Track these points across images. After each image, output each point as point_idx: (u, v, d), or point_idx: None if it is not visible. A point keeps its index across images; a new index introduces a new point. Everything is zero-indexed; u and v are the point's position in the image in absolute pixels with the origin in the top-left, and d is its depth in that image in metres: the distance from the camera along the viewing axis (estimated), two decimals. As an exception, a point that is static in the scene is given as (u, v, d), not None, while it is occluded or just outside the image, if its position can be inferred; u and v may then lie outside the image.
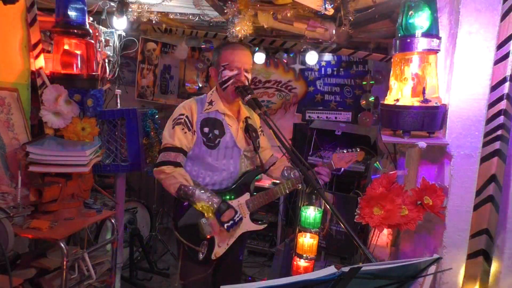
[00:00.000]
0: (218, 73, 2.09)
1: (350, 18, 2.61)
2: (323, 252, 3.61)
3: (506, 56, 1.59)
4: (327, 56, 4.57)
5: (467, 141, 1.74)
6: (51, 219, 2.18)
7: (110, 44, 3.03)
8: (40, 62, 2.46)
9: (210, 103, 2.11)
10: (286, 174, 2.28)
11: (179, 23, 3.97)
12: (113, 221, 2.51)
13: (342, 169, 2.26)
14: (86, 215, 2.35)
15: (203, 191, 1.97)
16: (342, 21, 2.73)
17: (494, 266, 1.68)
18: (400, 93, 1.86)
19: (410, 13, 1.80)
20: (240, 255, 2.35)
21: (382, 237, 2.51)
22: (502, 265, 1.70)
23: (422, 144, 1.78)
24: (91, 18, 2.84)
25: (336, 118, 4.19)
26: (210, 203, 1.96)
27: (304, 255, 3.04)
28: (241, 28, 2.81)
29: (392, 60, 1.94)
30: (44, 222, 2.09)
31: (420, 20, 1.78)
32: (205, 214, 2.00)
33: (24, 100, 2.41)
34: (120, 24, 3.00)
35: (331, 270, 0.90)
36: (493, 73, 1.64)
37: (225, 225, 1.97)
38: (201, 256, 2.01)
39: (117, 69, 3.14)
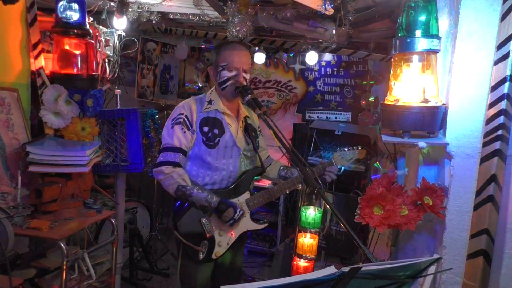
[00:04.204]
0: (216, 73, 2.09)
1: (350, 18, 2.61)
2: (323, 252, 3.61)
3: (506, 56, 1.59)
4: (327, 56, 4.57)
5: (467, 141, 1.74)
6: (51, 219, 2.18)
7: (110, 44, 3.03)
8: (40, 62, 2.46)
9: (210, 102, 2.11)
10: (282, 173, 2.28)
11: (179, 23, 3.97)
12: (113, 221, 2.51)
13: (343, 168, 2.26)
14: (86, 215, 2.35)
15: (200, 191, 1.98)
16: (342, 21, 2.73)
17: (494, 266, 1.68)
18: (400, 93, 1.86)
19: (410, 13, 1.80)
20: (240, 254, 2.35)
21: (382, 237, 2.52)
22: (502, 265, 1.70)
23: (422, 144, 1.78)
24: (91, 18, 2.84)
25: (336, 118, 4.18)
26: (208, 202, 1.96)
27: (304, 255, 3.05)
28: (241, 28, 2.81)
29: (392, 60, 1.94)
30: (44, 222, 2.09)
31: (420, 20, 1.78)
32: (205, 213, 2.01)
33: (24, 100, 2.41)
34: (120, 24, 3.00)
35: (331, 270, 0.90)
36: (493, 73, 1.64)
37: (227, 224, 2.01)
38: (201, 255, 2.01)
39: (117, 69, 3.14)
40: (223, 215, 1.98)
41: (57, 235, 2.04)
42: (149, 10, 3.12)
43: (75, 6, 2.46)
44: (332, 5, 2.33)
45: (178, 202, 2.08)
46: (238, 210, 2.00)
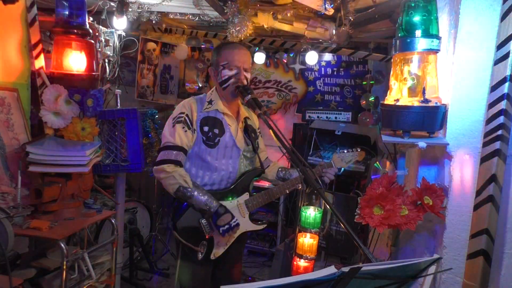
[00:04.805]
0: (217, 72, 2.09)
1: (350, 18, 2.61)
2: (323, 252, 3.62)
3: (506, 56, 1.59)
4: (327, 56, 4.57)
5: (467, 141, 1.74)
6: (51, 219, 2.18)
7: (110, 44, 3.03)
8: (40, 62, 2.46)
9: (210, 102, 2.11)
10: (281, 175, 2.28)
11: (179, 23, 3.97)
12: (113, 221, 2.51)
13: (342, 168, 2.26)
14: (86, 215, 2.35)
15: (201, 194, 1.97)
16: (342, 21, 2.73)
17: (494, 266, 1.68)
18: (400, 93, 1.86)
19: (410, 13, 1.80)
20: (240, 254, 2.35)
21: (382, 237, 2.52)
22: (502, 265, 1.70)
23: (422, 144, 1.78)
24: (91, 18, 2.84)
25: (336, 118, 4.19)
26: (208, 206, 1.95)
27: (304, 255, 3.05)
28: (241, 28, 2.81)
29: (392, 60, 1.94)
30: (44, 222, 2.09)
31: (420, 20, 1.78)
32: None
33: (24, 100, 2.41)
34: (120, 24, 3.00)
35: (331, 270, 0.90)
36: (493, 73, 1.64)
37: (220, 229, 1.95)
38: (200, 256, 2.01)
39: (117, 69, 3.14)
40: (220, 219, 1.95)
41: (57, 235, 2.04)
42: (149, 10, 3.12)
43: (75, 6, 2.46)
44: (332, 5, 2.33)
45: (177, 202, 2.08)
46: (235, 219, 1.99)
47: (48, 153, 2.20)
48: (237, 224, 1.99)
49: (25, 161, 2.17)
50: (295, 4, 2.62)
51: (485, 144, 1.64)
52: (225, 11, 2.80)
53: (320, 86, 4.72)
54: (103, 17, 3.05)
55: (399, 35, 1.84)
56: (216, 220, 1.96)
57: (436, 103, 1.78)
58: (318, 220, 3.12)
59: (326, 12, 2.36)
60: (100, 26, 2.97)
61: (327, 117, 4.20)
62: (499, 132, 1.59)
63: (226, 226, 1.95)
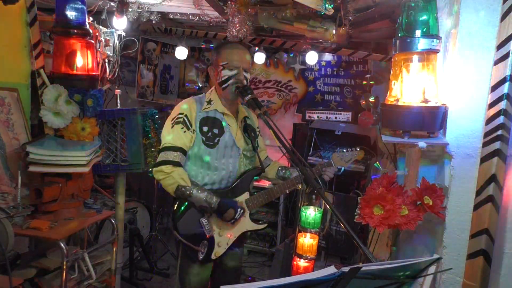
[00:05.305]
0: (217, 72, 2.09)
1: (350, 18, 2.61)
2: (323, 252, 3.62)
3: (506, 56, 1.59)
4: (327, 56, 4.57)
5: (467, 141, 1.74)
6: (51, 219, 2.18)
7: (110, 44, 3.02)
8: (40, 62, 2.46)
9: (209, 102, 2.11)
10: (281, 174, 2.28)
11: (179, 23, 3.97)
12: (113, 221, 2.51)
13: (342, 168, 2.26)
14: (86, 215, 2.35)
15: (200, 191, 1.97)
16: (342, 21, 2.73)
17: (494, 266, 1.68)
18: (400, 93, 1.86)
19: (410, 13, 1.79)
20: (240, 254, 2.35)
21: (382, 237, 2.51)
22: (502, 265, 1.70)
23: (422, 144, 1.78)
24: (91, 18, 2.84)
25: (336, 118, 4.19)
26: (208, 203, 1.96)
27: (304, 255, 3.05)
28: (241, 28, 2.81)
29: (392, 60, 1.93)
30: (44, 222, 2.10)
31: (420, 20, 1.78)
32: (205, 214, 2.01)
33: (24, 100, 2.41)
34: (120, 24, 3.00)
35: (331, 270, 0.90)
36: (493, 73, 1.64)
37: (229, 222, 2.04)
38: (201, 256, 2.01)
39: (117, 69, 3.14)
40: (224, 216, 1.99)
41: (57, 235, 2.04)
42: (149, 10, 3.11)
43: (75, 6, 2.46)
44: (332, 5, 2.33)
45: (178, 202, 2.08)
46: (238, 210, 2.00)
47: (48, 153, 2.20)
48: (243, 212, 2.05)
49: (25, 161, 2.17)
50: (295, 4, 2.62)
51: (485, 144, 1.64)
52: (225, 11, 2.80)
53: (320, 86, 4.72)
54: (103, 17, 3.05)
55: (399, 35, 1.84)
56: (221, 218, 2.02)
57: (436, 103, 1.78)
58: (318, 220, 3.12)
59: (326, 12, 2.35)
60: (100, 26, 2.96)
61: (327, 117, 4.20)
62: (499, 132, 1.59)
63: (233, 220, 2.02)
